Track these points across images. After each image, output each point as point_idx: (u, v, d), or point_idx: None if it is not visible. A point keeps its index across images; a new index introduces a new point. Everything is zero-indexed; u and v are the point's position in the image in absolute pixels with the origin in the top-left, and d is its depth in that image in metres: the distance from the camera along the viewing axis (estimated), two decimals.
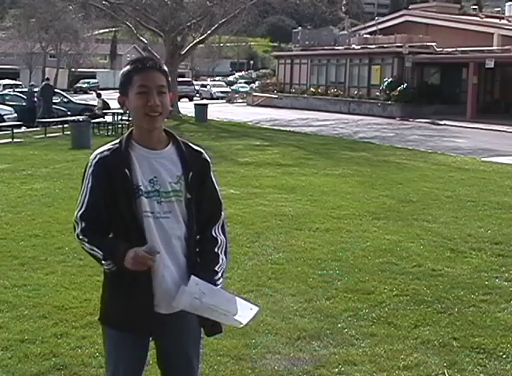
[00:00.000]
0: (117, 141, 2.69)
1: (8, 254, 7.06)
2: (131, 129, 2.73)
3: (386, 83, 34.11)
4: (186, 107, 33.26)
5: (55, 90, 29.44)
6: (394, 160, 15.82)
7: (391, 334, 4.94)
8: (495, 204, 10.20)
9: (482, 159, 16.51)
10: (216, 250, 2.73)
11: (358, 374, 4.31)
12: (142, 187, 2.62)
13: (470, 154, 17.53)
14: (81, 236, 2.70)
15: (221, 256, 2.74)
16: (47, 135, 21.51)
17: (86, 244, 2.68)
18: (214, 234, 2.74)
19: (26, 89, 31.38)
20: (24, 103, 27.88)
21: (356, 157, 16.35)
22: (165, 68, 2.68)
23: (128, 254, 2.55)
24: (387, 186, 11.93)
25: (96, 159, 2.65)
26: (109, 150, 2.67)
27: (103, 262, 2.64)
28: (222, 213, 2.81)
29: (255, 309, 2.66)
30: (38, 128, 23.19)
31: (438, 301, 5.70)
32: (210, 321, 2.68)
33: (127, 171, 2.60)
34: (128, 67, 2.66)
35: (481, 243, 7.78)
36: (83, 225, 2.69)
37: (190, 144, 2.76)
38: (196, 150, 2.75)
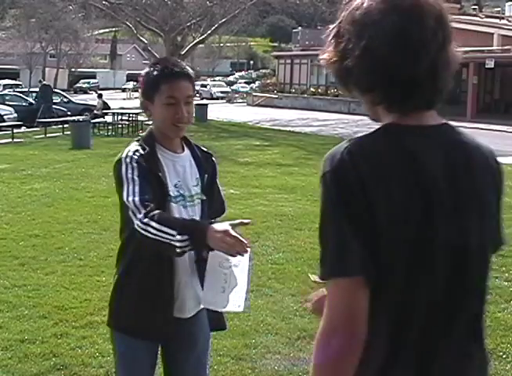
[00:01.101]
0: (140, 142, 2.59)
1: (8, 254, 7.06)
2: (150, 130, 2.66)
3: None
4: None
5: (55, 90, 29.46)
6: None
7: None
8: None
9: None
10: None
11: None
12: (170, 192, 2.56)
13: None
14: (145, 220, 2.35)
15: None
16: (47, 135, 21.52)
17: (153, 225, 2.33)
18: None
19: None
20: (24, 103, 27.93)
21: None
22: (191, 72, 2.63)
23: (213, 234, 2.29)
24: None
25: (137, 156, 2.50)
26: (138, 150, 2.53)
27: (178, 242, 2.30)
28: (226, 211, 2.86)
29: (240, 309, 2.56)
30: (38, 128, 23.21)
31: None
32: (216, 315, 2.70)
33: (160, 174, 2.54)
34: (154, 72, 2.56)
35: None
36: (144, 209, 2.38)
37: (200, 146, 2.78)
38: (207, 152, 2.79)
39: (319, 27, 49.34)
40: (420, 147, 1.45)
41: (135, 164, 2.49)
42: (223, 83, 61.48)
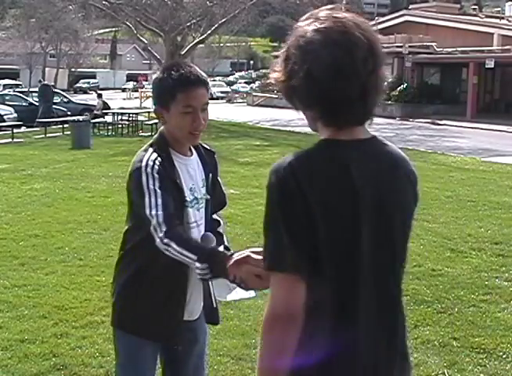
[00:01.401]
0: (155, 148, 2.53)
1: (8, 255, 7.07)
2: (161, 134, 2.60)
3: (386, 83, 34.09)
4: None
5: (55, 90, 29.47)
6: None
7: None
8: (495, 204, 10.20)
9: (482, 159, 16.50)
10: (220, 231, 2.81)
11: None
12: (187, 197, 2.55)
13: (470, 154, 17.53)
14: (165, 240, 2.34)
15: (224, 236, 2.82)
16: (47, 135, 21.52)
17: (174, 247, 2.33)
18: (215, 217, 2.81)
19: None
20: (24, 103, 27.94)
21: None
22: (206, 78, 2.58)
23: (233, 263, 2.24)
24: None
25: (157, 166, 2.45)
26: (157, 158, 2.48)
27: (197, 269, 2.29)
28: (227, 203, 2.90)
29: (252, 294, 2.48)
30: (38, 128, 23.20)
31: (438, 301, 5.71)
32: (210, 308, 2.71)
33: (178, 181, 2.52)
34: (169, 79, 2.49)
35: (481, 243, 7.78)
36: (165, 228, 2.35)
37: (204, 144, 2.77)
38: (210, 150, 2.79)
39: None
40: (351, 159, 1.72)
41: (156, 175, 2.43)
42: (223, 83, 61.45)
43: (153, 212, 2.38)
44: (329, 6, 1.81)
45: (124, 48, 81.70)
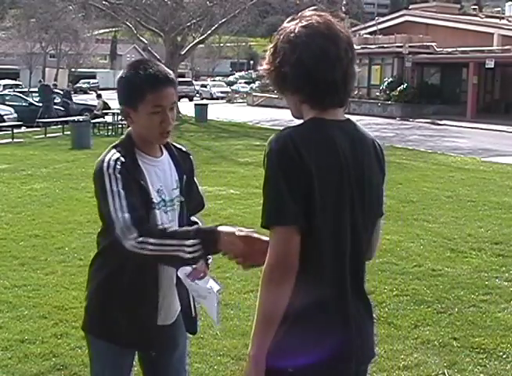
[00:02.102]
0: (118, 149, 2.48)
1: (8, 255, 7.07)
2: (128, 134, 2.54)
3: (386, 83, 34.12)
4: (186, 107, 33.27)
5: (55, 90, 29.51)
6: (394, 160, 15.80)
7: (391, 334, 4.94)
8: (495, 204, 10.20)
9: (482, 159, 16.51)
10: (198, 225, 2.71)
11: None
12: (154, 199, 2.48)
13: (470, 154, 17.53)
14: (140, 239, 2.26)
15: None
16: (47, 135, 21.53)
17: (151, 241, 2.25)
18: (194, 219, 2.74)
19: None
20: (24, 103, 27.96)
21: None
22: (174, 77, 2.53)
23: (225, 238, 2.23)
24: (387, 186, 11.86)
25: (119, 165, 2.38)
26: (119, 158, 2.41)
27: (187, 248, 2.22)
28: (205, 204, 2.81)
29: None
30: (38, 129, 23.21)
31: (438, 301, 5.70)
32: (188, 317, 2.69)
33: (142, 182, 2.44)
34: (136, 78, 2.43)
35: (481, 243, 7.78)
36: (136, 227, 2.28)
37: (177, 145, 2.70)
38: (185, 152, 2.71)
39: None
40: (336, 134, 2.01)
41: (118, 175, 2.36)
42: (223, 83, 61.46)
43: (119, 215, 2.31)
44: (312, 8, 2.11)
45: (124, 48, 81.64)
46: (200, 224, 2.68)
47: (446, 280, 6.31)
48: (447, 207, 9.94)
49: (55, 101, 27.89)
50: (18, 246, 7.41)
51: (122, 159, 2.41)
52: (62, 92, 30.85)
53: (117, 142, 2.54)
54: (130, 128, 2.55)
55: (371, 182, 2.09)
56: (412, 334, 4.95)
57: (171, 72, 2.51)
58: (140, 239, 2.25)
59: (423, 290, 5.98)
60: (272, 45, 2.06)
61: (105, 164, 2.39)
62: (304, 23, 2.01)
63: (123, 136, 2.58)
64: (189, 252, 2.22)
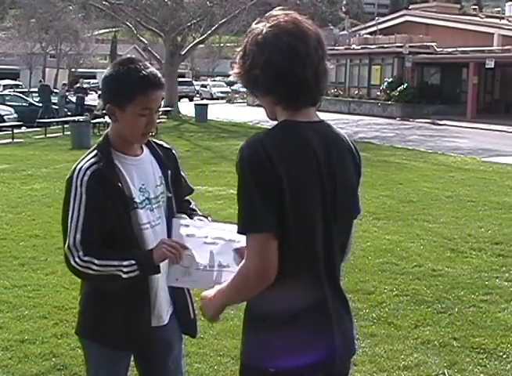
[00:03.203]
0: (95, 152, 2.48)
1: (8, 255, 7.07)
2: (105, 136, 2.53)
3: (386, 83, 34.12)
4: (186, 107, 33.27)
5: (54, 90, 29.51)
6: (394, 161, 15.82)
7: (391, 334, 4.94)
8: (496, 204, 10.20)
9: (482, 159, 16.50)
10: (192, 207, 2.77)
11: (359, 374, 4.31)
12: (136, 199, 2.47)
13: (470, 154, 17.52)
14: (86, 258, 2.37)
15: (198, 211, 2.77)
16: (47, 135, 21.53)
17: (95, 262, 2.37)
18: (185, 199, 2.78)
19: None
20: (24, 103, 27.98)
21: None
22: (163, 80, 2.51)
23: (155, 247, 2.40)
24: (387, 186, 11.93)
25: (87, 176, 2.39)
26: (94, 163, 2.43)
27: (124, 268, 2.36)
28: (193, 189, 2.85)
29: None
30: (38, 129, 23.22)
31: (438, 301, 5.70)
32: (186, 319, 2.68)
33: (120, 184, 2.43)
34: (128, 79, 2.40)
35: (481, 243, 7.78)
36: (83, 247, 2.39)
37: (158, 141, 2.70)
38: (167, 147, 2.71)
39: (319, 27, 49.29)
40: (310, 136, 1.99)
41: (83, 190, 2.38)
42: (223, 83, 61.42)
43: (72, 233, 2.39)
44: (279, 7, 2.07)
45: (124, 48, 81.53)
46: (193, 203, 2.78)
47: (446, 280, 6.31)
48: (447, 208, 9.94)
49: (54, 101, 27.88)
50: (18, 246, 7.41)
51: (95, 166, 2.42)
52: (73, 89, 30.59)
53: (95, 145, 2.53)
54: (108, 130, 2.55)
55: (345, 184, 2.06)
56: (412, 334, 4.95)
57: (159, 74, 2.50)
58: (86, 258, 2.38)
59: (423, 290, 5.98)
60: (241, 48, 2.06)
61: (75, 174, 2.42)
62: (271, 23, 1.98)
63: (100, 138, 2.57)
64: (126, 272, 2.37)
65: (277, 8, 2.07)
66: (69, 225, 2.40)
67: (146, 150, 2.61)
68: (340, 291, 2.11)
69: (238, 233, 1.94)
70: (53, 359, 4.45)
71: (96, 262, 2.37)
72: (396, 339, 4.86)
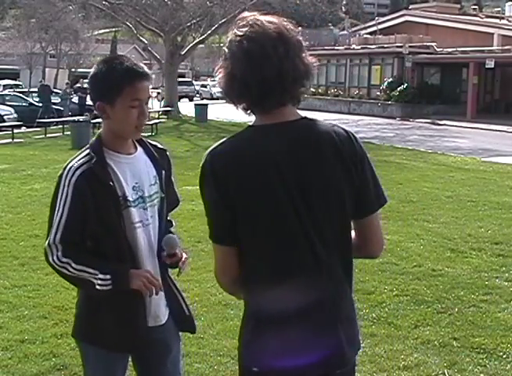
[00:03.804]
0: (88, 151, 2.50)
1: (8, 255, 7.07)
2: (98, 135, 2.56)
3: (386, 83, 34.12)
4: (186, 107, 33.27)
5: (54, 90, 29.51)
6: (394, 161, 15.82)
7: (391, 334, 4.94)
8: (496, 204, 10.20)
9: (482, 159, 16.50)
10: (172, 230, 2.75)
11: (359, 374, 4.30)
12: (129, 197, 2.48)
13: (470, 154, 17.53)
14: (64, 259, 2.44)
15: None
16: (47, 135, 21.52)
17: (72, 265, 2.44)
18: (168, 218, 2.76)
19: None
20: (24, 103, 27.98)
21: None
22: (149, 71, 2.53)
23: (136, 272, 2.44)
24: (387, 186, 11.86)
25: (75, 177, 2.42)
26: (85, 163, 2.45)
27: (99, 280, 2.40)
28: (179, 201, 2.83)
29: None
30: (38, 129, 23.21)
31: (438, 301, 5.70)
32: (184, 316, 2.69)
33: (111, 183, 2.44)
34: (113, 73, 2.43)
35: (481, 243, 7.78)
36: (62, 247, 2.45)
37: (153, 142, 2.71)
38: (161, 148, 2.71)
39: (319, 27, 49.33)
40: (267, 142, 1.94)
41: (70, 190, 2.42)
42: None
43: (53, 231, 2.46)
44: (253, 13, 2.05)
45: (124, 48, 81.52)
46: (174, 224, 2.78)
47: (446, 280, 6.31)
48: (447, 208, 9.94)
49: (54, 101, 27.86)
50: (18, 246, 7.41)
51: (85, 166, 2.44)
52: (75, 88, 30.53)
53: (88, 145, 2.55)
54: (100, 130, 2.57)
55: (321, 180, 1.96)
56: (412, 334, 4.95)
57: (145, 67, 2.52)
58: (64, 259, 2.44)
59: (423, 290, 5.98)
60: (220, 60, 2.06)
61: (65, 172, 2.46)
62: (235, 31, 1.99)
63: (93, 138, 2.59)
64: (99, 284, 2.41)
65: (244, 13, 2.09)
66: (52, 223, 2.47)
67: (140, 149, 2.62)
68: (344, 289, 2.10)
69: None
70: (53, 359, 4.45)
71: (73, 265, 2.43)
72: (396, 339, 4.86)
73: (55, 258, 2.46)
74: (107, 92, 2.45)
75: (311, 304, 1.98)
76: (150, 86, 2.54)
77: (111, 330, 2.53)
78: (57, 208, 2.45)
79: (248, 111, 2.03)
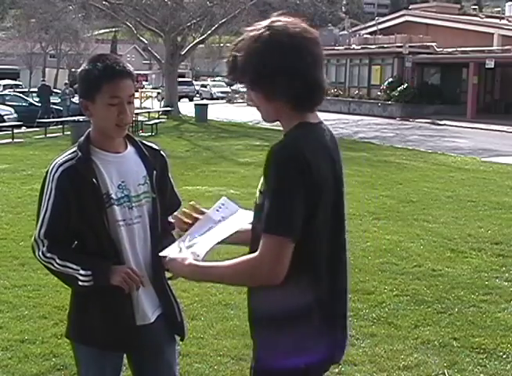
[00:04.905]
0: (75, 149, 2.53)
1: (8, 255, 7.07)
2: (87, 134, 2.58)
3: (386, 83, 34.13)
4: (186, 107, 33.27)
5: (54, 90, 29.51)
6: (394, 161, 15.82)
7: (391, 334, 4.94)
8: (495, 204, 10.21)
9: (482, 159, 16.51)
10: (173, 233, 2.68)
11: (359, 374, 4.31)
12: (112, 195, 2.49)
13: (470, 154, 17.53)
14: (48, 255, 2.48)
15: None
16: (47, 135, 21.52)
17: (57, 261, 2.47)
18: (170, 219, 2.71)
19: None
20: (24, 103, 27.98)
21: (356, 157, 16.31)
22: (132, 70, 2.54)
23: (117, 268, 2.45)
24: (387, 186, 11.93)
25: (59, 173, 2.48)
26: (70, 160, 2.50)
27: (81, 276, 2.44)
28: (181, 203, 2.80)
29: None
30: (38, 129, 23.21)
31: (438, 301, 5.71)
32: (172, 319, 2.68)
33: (94, 180, 2.46)
34: (94, 70, 2.46)
35: (481, 243, 7.78)
36: (48, 242, 2.49)
37: (147, 143, 2.71)
38: (155, 149, 2.71)
39: (319, 27, 49.34)
40: (326, 139, 2.06)
41: (53, 186, 2.48)
42: (223, 83, 61.34)
43: (39, 225, 2.50)
44: (280, 13, 2.14)
45: (124, 48, 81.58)
46: (175, 232, 2.65)
47: (446, 280, 6.31)
48: (447, 207, 9.94)
49: (53, 101, 27.86)
50: (18, 246, 7.41)
51: (69, 163, 2.49)
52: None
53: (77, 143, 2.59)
54: (90, 129, 2.58)
55: (343, 183, 2.14)
56: (412, 334, 4.96)
57: (129, 65, 2.54)
58: (48, 255, 2.48)
59: (423, 290, 5.99)
60: (251, 53, 2.01)
61: (51, 168, 2.53)
62: (276, 29, 2.02)
63: (83, 136, 2.61)
64: (81, 280, 2.44)
65: (276, 13, 2.13)
66: (39, 215, 2.51)
67: (130, 148, 2.62)
68: (342, 289, 2.16)
69: (263, 230, 1.92)
70: (53, 359, 4.45)
71: (57, 260, 2.47)
72: (396, 339, 4.86)
73: (40, 253, 2.50)
74: (88, 90, 2.48)
75: (342, 300, 2.14)
76: (135, 84, 2.56)
77: (100, 329, 2.54)
78: (42, 204, 2.51)
79: (283, 110, 2.03)
